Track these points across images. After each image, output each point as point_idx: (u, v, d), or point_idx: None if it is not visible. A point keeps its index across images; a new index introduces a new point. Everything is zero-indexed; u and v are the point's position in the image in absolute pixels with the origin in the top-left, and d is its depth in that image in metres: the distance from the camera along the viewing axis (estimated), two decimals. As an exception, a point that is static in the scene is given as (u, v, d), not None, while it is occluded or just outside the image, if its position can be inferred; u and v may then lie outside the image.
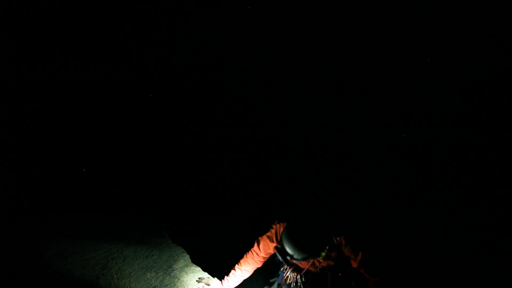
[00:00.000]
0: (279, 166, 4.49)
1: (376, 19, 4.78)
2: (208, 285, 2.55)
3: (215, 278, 2.61)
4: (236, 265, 2.42)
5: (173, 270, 2.76)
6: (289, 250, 2.05)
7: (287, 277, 2.38)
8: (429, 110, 4.42)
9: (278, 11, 5.11)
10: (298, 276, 2.34)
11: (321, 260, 2.23)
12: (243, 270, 2.39)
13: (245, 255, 2.40)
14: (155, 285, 2.57)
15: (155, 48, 5.38)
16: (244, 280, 2.44)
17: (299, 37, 5.09)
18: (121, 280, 2.61)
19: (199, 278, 2.64)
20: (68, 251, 2.93)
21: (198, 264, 2.88)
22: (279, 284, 2.43)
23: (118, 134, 5.03)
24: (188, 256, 2.99)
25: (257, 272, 2.46)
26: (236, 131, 5.05)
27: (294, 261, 2.15)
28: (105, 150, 4.84)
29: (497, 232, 3.16)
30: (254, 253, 2.36)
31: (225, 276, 2.45)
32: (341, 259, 2.24)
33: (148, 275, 2.68)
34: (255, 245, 2.36)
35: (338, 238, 2.14)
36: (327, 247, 2.11)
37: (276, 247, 2.20)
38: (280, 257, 2.15)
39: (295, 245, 2.04)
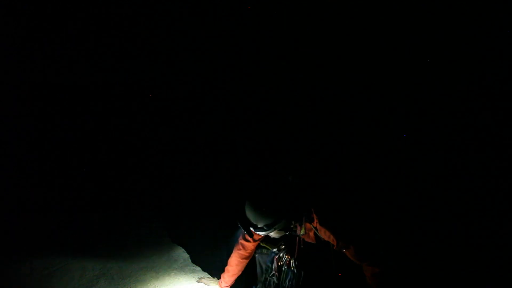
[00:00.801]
0: (279, 165, 4.50)
1: (376, 19, 4.78)
2: (208, 285, 2.55)
3: (215, 278, 2.61)
4: (228, 263, 2.41)
5: (173, 270, 2.77)
6: (249, 215, 1.88)
7: (279, 257, 2.27)
8: (429, 110, 4.42)
9: (278, 11, 5.12)
10: (292, 260, 2.22)
11: (304, 237, 2.11)
12: (235, 266, 2.38)
13: (233, 250, 2.39)
14: (155, 285, 2.57)
15: (154, 48, 5.38)
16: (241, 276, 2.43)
17: (298, 37, 5.10)
18: (121, 280, 2.62)
19: (199, 278, 2.64)
20: (68, 251, 2.94)
21: (198, 264, 2.88)
22: (269, 267, 2.32)
23: (118, 134, 5.04)
24: (188, 256, 2.99)
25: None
26: (236, 131, 5.06)
27: (258, 234, 1.95)
28: (105, 150, 4.84)
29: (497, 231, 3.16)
30: (240, 246, 2.33)
31: (221, 275, 2.46)
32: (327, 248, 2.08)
33: (148, 275, 2.68)
34: (240, 237, 2.33)
35: (314, 222, 2.00)
36: (300, 224, 1.98)
37: (238, 218, 1.96)
38: (242, 229, 1.94)
39: (255, 208, 1.86)
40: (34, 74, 4.89)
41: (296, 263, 2.20)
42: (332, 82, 4.85)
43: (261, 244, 2.38)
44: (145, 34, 5.33)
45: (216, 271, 2.66)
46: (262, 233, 1.91)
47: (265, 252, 2.38)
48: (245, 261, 2.38)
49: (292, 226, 2.01)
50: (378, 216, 3.15)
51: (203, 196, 4.16)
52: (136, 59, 5.35)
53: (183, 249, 3.08)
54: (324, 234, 2.00)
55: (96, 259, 2.85)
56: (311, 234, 2.08)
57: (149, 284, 2.58)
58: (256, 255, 2.42)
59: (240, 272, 2.42)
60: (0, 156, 4.39)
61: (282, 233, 2.03)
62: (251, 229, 1.90)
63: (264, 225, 1.86)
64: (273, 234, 2.01)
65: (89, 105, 5.10)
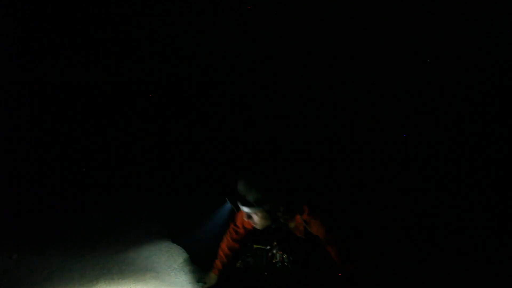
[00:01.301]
0: (280, 163, 4.50)
1: (376, 18, 4.78)
2: (210, 284, 2.54)
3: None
4: (220, 249, 2.41)
5: (173, 270, 2.77)
6: (240, 187, 1.86)
7: (272, 255, 2.25)
8: (429, 110, 4.42)
9: (278, 11, 5.12)
10: (285, 256, 2.19)
11: (295, 232, 2.05)
12: (227, 249, 2.37)
13: (224, 237, 2.38)
14: (155, 285, 2.57)
15: (154, 47, 5.38)
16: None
17: (298, 37, 5.10)
18: (121, 280, 2.62)
19: (199, 278, 2.65)
20: (68, 251, 2.94)
21: (198, 264, 2.88)
22: (266, 265, 2.28)
23: (118, 134, 5.04)
24: (188, 256, 3.00)
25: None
26: (235, 130, 5.06)
27: (247, 211, 1.90)
28: (105, 150, 4.84)
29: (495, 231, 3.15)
30: (231, 230, 2.33)
31: (214, 262, 2.44)
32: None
33: (148, 275, 2.69)
34: (231, 224, 2.33)
35: (304, 215, 1.93)
36: (291, 216, 1.93)
37: (228, 192, 1.95)
38: (229, 203, 1.94)
39: (248, 180, 1.85)
40: (33, 73, 4.89)
41: (291, 258, 2.17)
42: (333, 81, 4.86)
43: (254, 246, 2.37)
44: (145, 34, 5.33)
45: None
46: (249, 210, 1.87)
47: (259, 253, 2.37)
48: (237, 245, 2.35)
49: (279, 213, 1.94)
50: (376, 217, 3.14)
51: (204, 196, 4.16)
52: (133, 59, 5.35)
53: (183, 249, 3.08)
54: (313, 228, 1.94)
55: (96, 259, 2.85)
56: (301, 228, 2.03)
57: (149, 284, 2.58)
58: (249, 259, 2.40)
59: (233, 256, 2.38)
60: (0, 155, 4.40)
61: (268, 221, 1.97)
62: (239, 204, 1.86)
63: (254, 200, 1.82)
64: (257, 219, 1.95)
65: (89, 105, 5.10)
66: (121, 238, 3.22)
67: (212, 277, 2.50)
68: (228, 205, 2.11)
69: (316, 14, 5.04)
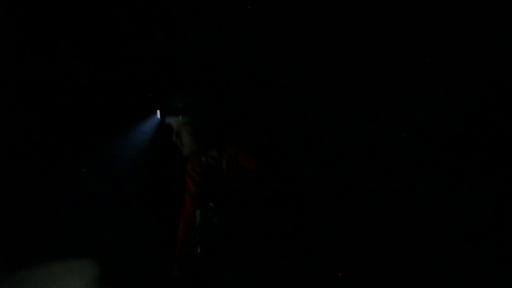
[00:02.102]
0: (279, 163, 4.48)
1: (376, 18, 4.78)
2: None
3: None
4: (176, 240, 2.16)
5: (173, 270, 2.77)
6: (173, 98, 1.80)
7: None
8: (429, 110, 4.42)
9: (278, 12, 5.12)
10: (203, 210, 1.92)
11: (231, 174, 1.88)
12: (181, 238, 2.16)
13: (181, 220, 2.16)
14: (156, 285, 2.58)
15: (153, 47, 5.38)
16: None
17: (298, 37, 5.10)
18: (122, 280, 2.63)
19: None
20: (69, 251, 2.95)
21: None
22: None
23: (118, 134, 5.04)
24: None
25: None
26: (234, 130, 5.05)
27: (175, 123, 1.78)
28: (105, 150, 4.85)
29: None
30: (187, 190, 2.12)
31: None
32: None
33: (148, 275, 2.69)
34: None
35: (233, 146, 1.79)
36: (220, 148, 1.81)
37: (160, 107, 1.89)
38: (158, 115, 1.90)
39: (181, 92, 1.81)
40: (34, 74, 4.88)
41: (215, 219, 1.87)
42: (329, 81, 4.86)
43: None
44: (144, 35, 5.33)
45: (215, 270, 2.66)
46: (176, 121, 1.77)
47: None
48: (191, 218, 2.08)
49: (209, 135, 1.82)
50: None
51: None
52: (133, 59, 5.35)
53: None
54: (243, 161, 1.79)
55: (96, 259, 2.86)
56: (234, 165, 1.86)
57: (150, 284, 2.58)
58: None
59: (188, 235, 2.14)
60: (1, 156, 4.40)
61: (195, 146, 1.82)
62: (169, 116, 1.78)
63: (183, 106, 1.75)
64: (186, 138, 1.81)
65: (89, 104, 5.09)
66: (121, 238, 3.23)
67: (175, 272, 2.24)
68: (156, 118, 1.99)
69: (316, 14, 5.04)
